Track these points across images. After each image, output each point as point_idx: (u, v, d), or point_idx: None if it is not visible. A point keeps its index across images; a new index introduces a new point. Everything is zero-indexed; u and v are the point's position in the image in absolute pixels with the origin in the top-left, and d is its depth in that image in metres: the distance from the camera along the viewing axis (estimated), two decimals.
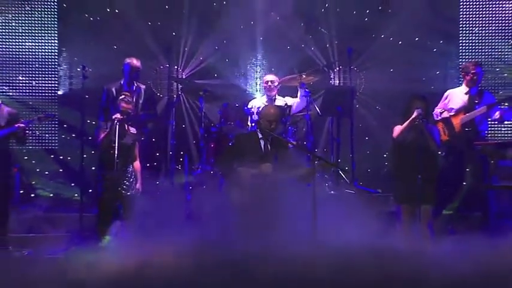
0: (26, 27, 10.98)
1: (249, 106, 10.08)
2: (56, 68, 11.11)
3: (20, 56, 10.97)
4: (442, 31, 11.24)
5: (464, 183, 9.29)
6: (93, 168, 9.34)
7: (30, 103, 10.83)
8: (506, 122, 9.70)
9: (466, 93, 9.26)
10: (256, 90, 11.29)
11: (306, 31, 11.42)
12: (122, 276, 6.43)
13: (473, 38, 11.12)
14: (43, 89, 11.04)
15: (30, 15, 10.99)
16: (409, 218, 8.11)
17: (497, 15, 11.06)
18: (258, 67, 11.55)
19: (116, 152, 8.32)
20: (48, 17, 11.02)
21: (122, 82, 9.43)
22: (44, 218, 9.42)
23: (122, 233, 8.15)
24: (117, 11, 11.09)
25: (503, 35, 11.02)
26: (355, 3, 11.34)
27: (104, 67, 9.86)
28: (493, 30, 11.05)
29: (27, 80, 10.98)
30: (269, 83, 10.16)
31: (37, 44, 11.00)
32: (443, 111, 9.19)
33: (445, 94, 9.42)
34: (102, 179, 8.52)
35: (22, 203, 9.86)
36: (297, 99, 10.04)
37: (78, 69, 10.47)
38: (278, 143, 8.36)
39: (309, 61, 11.32)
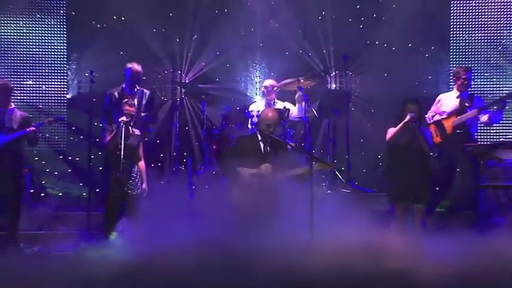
0: (37, 34, 10.98)
1: (249, 109, 10.07)
2: (65, 73, 11.11)
3: (31, 62, 10.97)
4: (434, 38, 11.24)
5: (455, 183, 9.30)
6: (100, 168, 9.33)
7: (40, 106, 10.85)
8: (494, 125, 9.68)
9: (457, 97, 9.26)
10: (256, 94, 11.27)
11: (303, 38, 11.41)
12: (127, 271, 6.44)
13: (464, 44, 11.12)
14: (52, 93, 11.04)
15: (40, 23, 10.99)
16: (403, 216, 8.10)
17: (486, 23, 11.06)
18: (257, 72, 11.54)
19: (122, 153, 8.32)
20: (57, 24, 11.03)
21: (123, 86, 9.37)
22: (54, 216, 9.40)
23: (127, 229, 8.15)
24: (123, 18, 11.08)
25: (492, 42, 11.02)
26: (351, 11, 11.34)
27: (110, 72, 9.87)
28: (482, 37, 11.06)
29: (38, 84, 10.99)
30: (268, 88, 10.17)
31: (47, 50, 11.01)
32: (435, 115, 9.21)
33: (437, 98, 9.43)
34: (109, 179, 8.52)
35: (33, 201, 9.84)
36: (295, 108, 10.02)
37: (86, 74, 10.52)
38: (277, 144, 8.35)
39: (307, 66, 11.33)
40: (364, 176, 10.75)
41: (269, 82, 10.25)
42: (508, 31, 10.98)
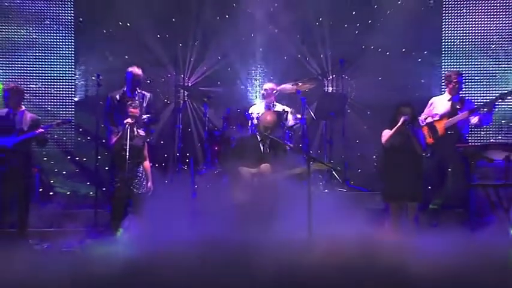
0: (46, 39, 10.96)
1: (249, 111, 10.09)
2: (73, 76, 11.09)
3: (40, 66, 10.96)
4: (426, 43, 11.23)
5: (447, 182, 9.31)
6: (107, 168, 9.35)
7: (49, 109, 10.84)
8: (484, 126, 9.69)
9: (448, 100, 9.28)
10: (256, 97, 11.26)
11: (302, 43, 11.42)
12: (132, 266, 6.45)
13: (455, 49, 11.11)
14: (60, 96, 11.02)
15: (49, 29, 10.99)
16: (397, 214, 8.11)
17: (476, 29, 11.07)
18: (257, 76, 11.52)
19: (127, 154, 8.32)
20: (65, 30, 11.01)
21: (124, 89, 9.34)
22: (62, 214, 9.42)
23: (133, 226, 8.16)
24: (128, 24, 11.08)
25: (482, 47, 11.02)
26: (347, 17, 11.33)
27: (116, 76, 9.83)
28: (472, 42, 11.05)
29: (46, 87, 10.97)
30: (268, 91, 10.18)
31: (55, 55, 10.99)
32: (427, 117, 9.23)
33: (430, 101, 9.44)
34: (115, 178, 8.53)
35: (42, 200, 9.83)
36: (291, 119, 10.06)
37: (93, 78, 10.47)
38: (276, 145, 8.38)
39: (305, 70, 11.32)
40: (359, 176, 10.74)
41: (269, 85, 10.26)
42: (497, 37, 10.97)
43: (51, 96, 10.97)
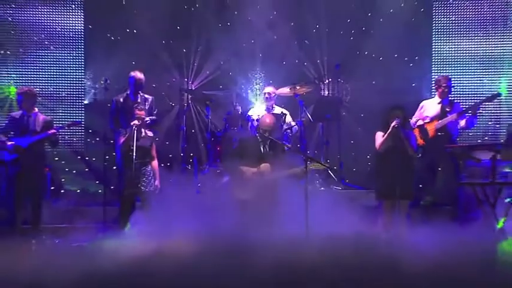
0: (57, 45, 10.96)
1: (249, 114, 10.12)
2: (82, 81, 11.08)
3: (52, 71, 10.95)
4: (418, 49, 11.25)
5: (437, 181, 9.33)
6: (114, 168, 9.38)
7: (60, 111, 10.85)
8: (472, 128, 9.72)
9: (438, 103, 9.31)
10: (256, 100, 11.26)
11: (299, 49, 11.44)
12: (139, 260, 6.49)
13: (445, 54, 11.12)
14: (71, 99, 11.02)
15: (60, 35, 10.98)
16: (389, 211, 8.10)
17: (464, 35, 11.07)
18: (257, 80, 11.52)
19: (134, 154, 8.35)
20: (75, 37, 11.00)
21: (128, 93, 9.33)
22: (72, 210, 9.38)
23: (140, 222, 8.19)
24: (135, 31, 11.10)
25: (470, 52, 11.03)
26: (342, 25, 11.34)
27: (123, 80, 9.84)
28: (461, 48, 11.06)
29: (58, 91, 10.97)
30: (267, 94, 10.21)
31: (66, 60, 10.98)
32: (418, 120, 9.27)
33: (421, 104, 9.47)
34: (123, 177, 8.56)
35: (53, 197, 9.81)
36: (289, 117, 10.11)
37: (101, 82, 10.48)
38: (275, 145, 8.40)
39: (302, 75, 11.33)
40: (354, 175, 10.72)
41: (269, 89, 10.29)
42: (484, 43, 11.01)
43: (62, 99, 10.96)
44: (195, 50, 11.35)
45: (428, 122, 9.22)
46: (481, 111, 9.97)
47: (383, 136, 8.20)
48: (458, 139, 9.57)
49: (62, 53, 10.99)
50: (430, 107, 9.33)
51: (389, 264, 6.14)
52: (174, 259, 6.36)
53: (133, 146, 8.32)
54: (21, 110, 8.82)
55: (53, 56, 10.97)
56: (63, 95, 11.01)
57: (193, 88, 11.39)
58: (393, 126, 8.06)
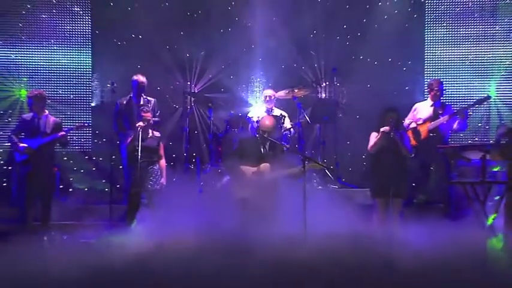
0: (66, 50, 10.95)
1: (249, 115, 10.13)
2: (90, 84, 11.10)
3: (61, 74, 10.96)
4: (410, 53, 11.26)
5: (430, 180, 9.34)
6: (120, 167, 9.39)
7: (69, 113, 10.86)
8: (463, 131, 9.72)
9: (431, 106, 9.32)
10: (256, 102, 11.26)
11: (297, 53, 11.45)
12: (144, 254, 6.49)
13: (436, 59, 11.13)
14: (79, 102, 11.02)
15: (68, 41, 10.99)
16: (384, 209, 8.09)
17: (455, 40, 11.09)
18: (257, 83, 11.53)
19: (140, 154, 8.35)
20: (83, 42, 11.01)
21: (131, 95, 9.36)
22: (80, 208, 9.45)
23: (145, 219, 8.20)
24: (140, 37, 11.12)
25: (461, 56, 11.05)
26: (339, 30, 11.35)
27: (129, 83, 9.87)
28: (452, 52, 11.07)
29: (66, 94, 10.99)
30: (267, 97, 10.22)
31: (74, 64, 10.98)
32: (411, 122, 9.28)
33: (414, 107, 9.48)
34: (129, 176, 8.57)
35: (62, 196, 9.85)
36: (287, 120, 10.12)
37: (108, 85, 10.50)
38: (274, 146, 8.39)
39: (300, 78, 11.33)
40: (350, 174, 10.72)
41: (268, 92, 10.29)
42: (474, 47, 11.02)
43: (70, 102, 10.97)
44: (197, 54, 11.35)
45: (421, 124, 9.23)
46: (471, 113, 9.99)
47: (376, 138, 8.22)
48: (449, 140, 9.58)
49: (70, 57, 10.99)
50: (423, 109, 9.34)
51: (382, 260, 6.15)
52: (175, 254, 6.36)
53: (138, 146, 8.33)
54: (32, 112, 8.84)
55: (62, 60, 10.97)
56: (71, 98, 11.01)
57: (196, 91, 11.39)
58: (382, 131, 8.07)
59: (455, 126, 9.13)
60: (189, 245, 6.79)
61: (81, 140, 10.97)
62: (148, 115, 8.65)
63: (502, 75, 10.86)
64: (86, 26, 11.06)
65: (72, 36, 11.01)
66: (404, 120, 9.13)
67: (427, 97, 9.54)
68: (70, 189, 10.47)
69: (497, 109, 10.81)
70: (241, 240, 6.80)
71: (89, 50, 11.05)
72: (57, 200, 9.15)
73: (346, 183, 10.31)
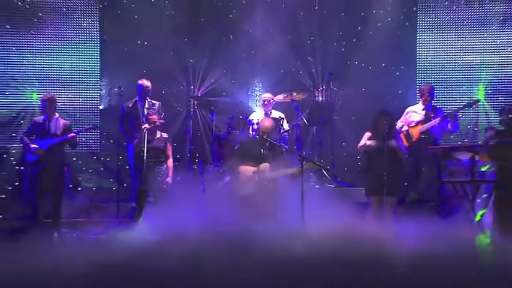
0: (75, 56, 10.93)
1: (250, 118, 10.14)
2: (98, 88, 11.10)
3: (70, 79, 10.93)
4: (403, 59, 11.27)
5: (422, 179, 9.36)
6: (127, 167, 9.39)
7: (78, 116, 10.86)
8: (455, 132, 9.74)
9: (422, 109, 9.35)
10: (256, 106, 11.28)
11: (296, 59, 11.47)
12: (149, 250, 6.51)
13: (428, 64, 11.14)
14: (88, 105, 11.01)
15: (78, 46, 10.96)
16: (378, 207, 8.11)
17: (446, 46, 11.10)
18: (257, 87, 11.55)
19: (145, 154, 8.36)
20: (92, 48, 10.99)
21: (136, 99, 9.37)
22: (89, 206, 9.45)
23: (151, 216, 8.21)
24: (146, 43, 11.13)
25: (453, 61, 11.05)
26: (335, 37, 11.36)
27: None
28: (443, 58, 11.07)
29: (76, 97, 10.95)
30: (266, 100, 10.23)
31: (83, 69, 10.97)
32: (403, 125, 9.30)
33: (406, 110, 9.51)
34: (136, 175, 8.58)
35: (71, 194, 9.83)
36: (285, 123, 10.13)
37: (116, 89, 10.53)
38: (274, 147, 8.41)
39: (298, 82, 11.35)
40: (346, 174, 10.70)
41: (267, 95, 10.30)
42: (464, 53, 11.03)
43: (79, 105, 10.97)
44: (200, 60, 11.36)
45: (413, 126, 9.26)
46: (460, 115, 10.01)
47: (369, 138, 8.24)
48: (440, 141, 9.60)
49: (79, 62, 10.98)
50: (415, 112, 9.38)
51: (376, 255, 6.16)
52: (178, 251, 6.37)
53: (144, 147, 8.35)
54: (44, 115, 8.86)
55: (71, 65, 10.96)
56: (80, 101, 11.00)
57: (199, 95, 11.39)
58: (367, 145, 8.10)
59: (448, 127, 9.15)
60: (191, 240, 6.81)
61: (89, 141, 10.95)
62: (155, 117, 8.67)
63: (490, 79, 10.86)
64: (94, 33, 11.04)
65: (81, 43, 11.00)
66: (397, 123, 9.14)
67: (419, 101, 9.57)
68: (79, 188, 10.49)
69: (486, 112, 10.82)
70: (241, 235, 6.82)
71: (97, 55, 11.05)
72: (66, 198, 9.13)
73: (342, 182, 10.31)
